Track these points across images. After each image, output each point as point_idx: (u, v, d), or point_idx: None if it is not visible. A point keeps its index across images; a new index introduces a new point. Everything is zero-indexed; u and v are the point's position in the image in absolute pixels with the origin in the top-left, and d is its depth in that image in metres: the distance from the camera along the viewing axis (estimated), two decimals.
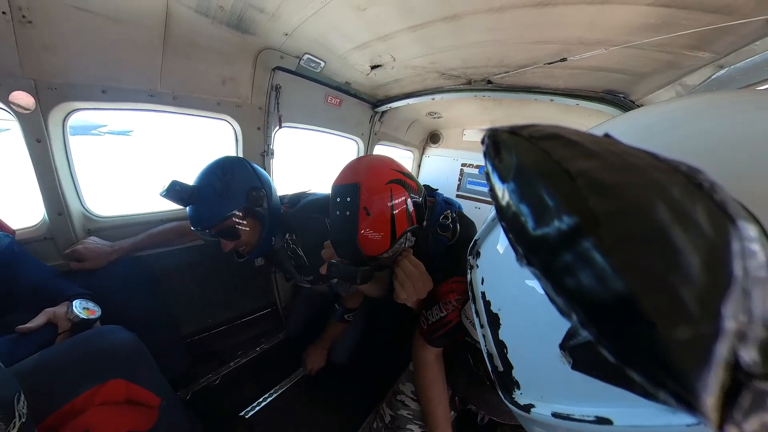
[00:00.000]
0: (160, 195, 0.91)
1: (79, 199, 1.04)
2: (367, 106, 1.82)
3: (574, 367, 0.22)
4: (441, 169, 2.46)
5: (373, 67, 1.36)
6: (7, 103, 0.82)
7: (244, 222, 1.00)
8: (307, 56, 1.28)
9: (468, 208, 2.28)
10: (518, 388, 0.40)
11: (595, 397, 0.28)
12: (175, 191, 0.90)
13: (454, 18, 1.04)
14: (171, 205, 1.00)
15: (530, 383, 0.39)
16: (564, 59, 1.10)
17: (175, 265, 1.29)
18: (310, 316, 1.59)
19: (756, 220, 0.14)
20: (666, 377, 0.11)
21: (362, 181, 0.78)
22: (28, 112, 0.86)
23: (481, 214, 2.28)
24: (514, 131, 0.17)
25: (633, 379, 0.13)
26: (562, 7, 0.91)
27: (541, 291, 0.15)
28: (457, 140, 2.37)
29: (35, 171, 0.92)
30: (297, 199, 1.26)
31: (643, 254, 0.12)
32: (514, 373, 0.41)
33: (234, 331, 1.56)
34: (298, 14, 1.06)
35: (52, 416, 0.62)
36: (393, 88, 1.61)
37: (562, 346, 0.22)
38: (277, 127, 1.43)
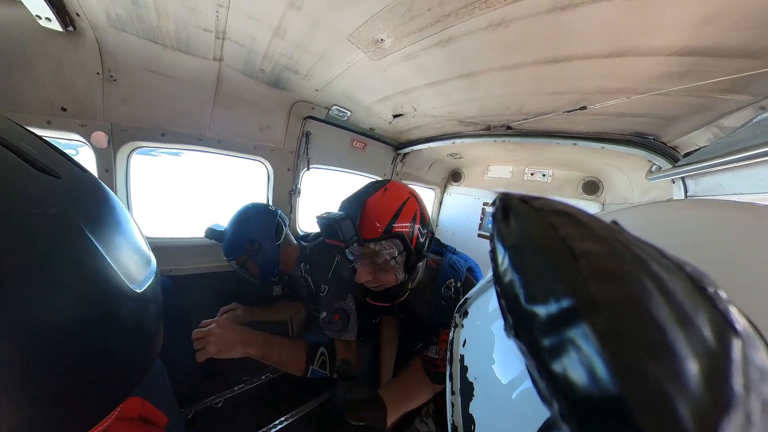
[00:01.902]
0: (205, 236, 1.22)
1: None
2: (390, 148, 1.93)
3: None
4: (463, 207, 2.44)
5: (396, 116, 1.47)
6: (89, 140, 1.04)
7: (247, 263, 1.23)
8: (335, 107, 1.42)
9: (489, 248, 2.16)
10: None
11: None
12: (210, 234, 1.23)
13: (468, 75, 1.11)
14: (202, 233, 1.24)
15: None
16: (584, 107, 1.08)
17: (201, 287, 1.38)
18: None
19: (761, 335, 0.13)
20: None
21: (393, 182, 0.93)
22: (103, 148, 1.05)
23: None
24: (525, 200, 0.17)
25: None
26: (577, 62, 0.93)
27: (525, 370, 0.15)
28: (478, 179, 2.37)
29: None
30: (319, 237, 1.39)
31: (639, 353, 0.11)
32: None
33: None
34: (326, 74, 1.21)
35: None
36: (414, 133, 1.69)
37: None
38: (305, 169, 1.56)
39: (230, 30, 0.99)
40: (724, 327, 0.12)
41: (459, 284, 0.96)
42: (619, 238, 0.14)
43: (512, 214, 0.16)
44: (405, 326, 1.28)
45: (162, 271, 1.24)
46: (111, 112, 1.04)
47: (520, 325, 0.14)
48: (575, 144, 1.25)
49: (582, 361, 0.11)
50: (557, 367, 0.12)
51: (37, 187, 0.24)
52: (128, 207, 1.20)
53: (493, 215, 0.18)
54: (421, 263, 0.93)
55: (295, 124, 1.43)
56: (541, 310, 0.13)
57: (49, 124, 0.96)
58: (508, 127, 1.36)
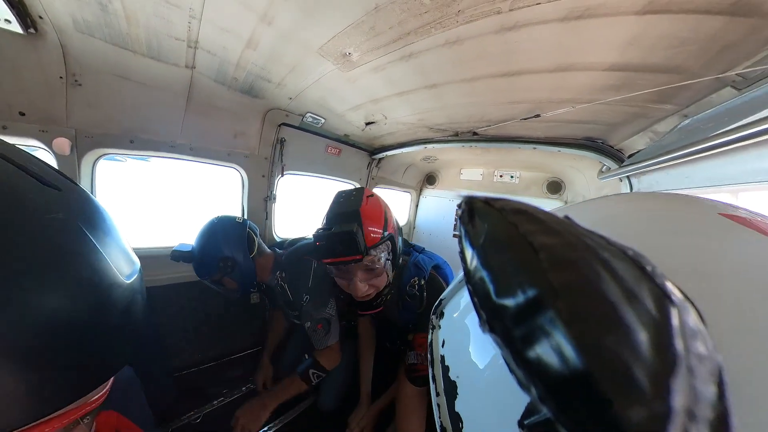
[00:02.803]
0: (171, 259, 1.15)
1: None
2: (365, 153, 1.97)
3: None
4: (438, 209, 2.53)
5: (368, 123, 1.52)
6: (51, 146, 1.01)
7: (223, 280, 1.19)
8: (309, 114, 1.46)
9: None
10: None
11: None
12: (176, 256, 1.16)
13: (433, 87, 1.18)
14: (172, 242, 1.18)
15: None
16: (538, 115, 1.18)
17: (176, 298, 1.35)
18: (301, 357, 1.52)
19: (691, 302, 0.15)
20: None
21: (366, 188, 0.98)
22: (66, 155, 1.03)
23: None
24: (488, 202, 0.18)
25: None
26: (527, 75, 1.02)
27: (502, 362, 0.16)
28: (453, 181, 2.47)
29: None
30: (295, 243, 1.41)
31: (597, 329, 0.12)
32: None
33: (222, 368, 1.52)
34: (299, 83, 1.25)
35: None
36: (387, 139, 1.76)
37: (521, 424, 0.22)
38: (280, 176, 1.57)
39: (202, 40, 1.01)
40: (663, 298, 0.14)
41: (423, 282, 1.00)
42: (572, 230, 0.16)
43: (477, 215, 0.18)
44: (380, 326, 1.31)
45: None
46: (75, 117, 1.02)
47: (493, 319, 0.16)
48: (535, 148, 1.35)
49: (551, 345, 0.13)
50: (531, 354, 0.13)
51: (45, 198, 0.31)
52: None
53: (460, 218, 0.19)
54: (398, 260, 0.97)
55: (269, 131, 1.45)
56: (511, 303, 0.14)
57: (4, 129, 0.92)
58: (474, 133, 1.44)
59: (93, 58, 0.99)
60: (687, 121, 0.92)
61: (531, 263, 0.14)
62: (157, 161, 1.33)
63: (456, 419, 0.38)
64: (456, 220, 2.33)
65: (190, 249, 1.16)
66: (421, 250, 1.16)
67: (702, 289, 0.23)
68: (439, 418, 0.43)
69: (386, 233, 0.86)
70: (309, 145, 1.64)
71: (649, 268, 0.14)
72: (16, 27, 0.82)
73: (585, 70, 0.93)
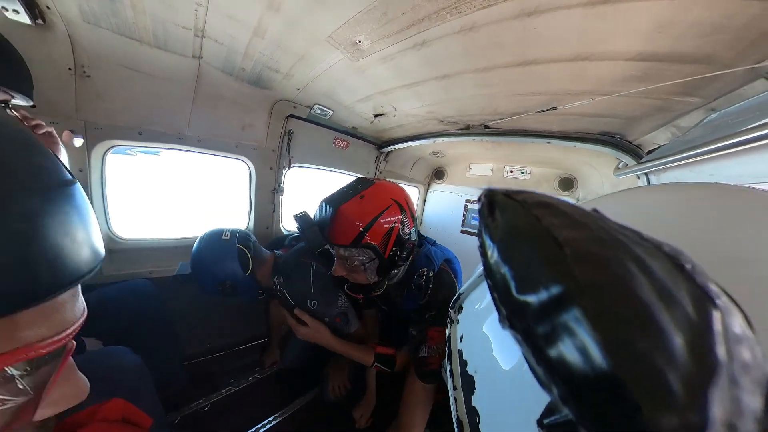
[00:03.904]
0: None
1: (106, 222, 1.19)
2: (373, 147, 1.95)
3: None
4: (446, 204, 2.50)
5: (377, 115, 1.49)
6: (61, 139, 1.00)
7: (228, 294, 1.17)
8: (317, 106, 1.43)
9: (472, 243, 2.20)
10: None
11: None
12: (182, 279, 1.17)
13: (444, 77, 1.15)
14: (183, 234, 1.22)
15: None
16: (554, 108, 1.13)
17: (187, 289, 1.36)
18: (305, 347, 1.54)
19: (737, 305, 0.13)
20: None
21: (379, 182, 0.91)
22: (75, 147, 1.03)
23: None
24: (509, 195, 0.17)
25: None
26: (545, 65, 0.98)
27: (522, 358, 0.15)
28: (461, 176, 2.43)
29: None
30: (295, 237, 1.38)
31: (627, 331, 0.11)
32: None
33: (230, 357, 1.55)
34: (308, 74, 1.22)
35: (56, 426, 0.67)
36: (396, 132, 1.72)
37: (540, 423, 0.21)
38: (288, 168, 1.56)
39: (209, 28, 0.99)
40: (704, 300, 0.13)
41: (431, 273, 0.99)
42: (600, 224, 0.15)
43: (498, 208, 0.17)
44: (386, 319, 1.31)
45: (141, 273, 1.26)
46: (85, 109, 1.02)
47: (513, 315, 0.15)
48: (549, 143, 1.31)
49: (575, 345, 0.12)
50: (553, 352, 0.13)
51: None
52: (104, 207, 1.18)
53: (480, 211, 0.18)
54: (396, 270, 0.94)
55: (276, 123, 1.44)
56: (533, 299, 0.13)
57: None
58: (486, 126, 1.40)
59: (101, 49, 0.98)
60: (714, 115, 0.87)
61: (555, 258, 0.13)
62: (167, 155, 1.33)
63: (473, 414, 0.38)
64: (464, 214, 2.33)
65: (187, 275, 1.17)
66: (433, 243, 1.15)
67: (754, 290, 0.21)
68: (456, 412, 0.43)
69: (363, 241, 0.81)
70: (317, 138, 1.63)
71: (688, 267, 0.13)
72: (24, 18, 0.82)
73: (607, 60, 0.89)
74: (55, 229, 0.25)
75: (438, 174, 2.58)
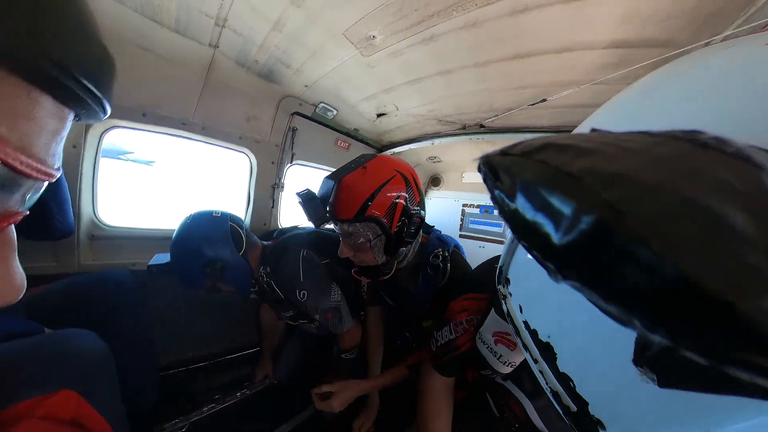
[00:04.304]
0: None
1: (93, 206, 1.09)
2: (373, 150, 2.01)
3: (661, 384, 0.18)
4: (443, 210, 2.55)
5: (379, 115, 1.58)
6: None
7: (216, 286, 1.03)
8: (322, 104, 1.50)
9: (472, 247, 2.27)
10: (602, 428, 0.32)
11: (702, 415, 0.22)
12: (155, 272, 1.01)
13: (447, 72, 1.27)
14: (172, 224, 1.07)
15: (616, 418, 0.31)
16: (544, 100, 1.28)
17: (170, 286, 1.20)
18: (302, 359, 1.36)
19: None
20: None
21: (382, 155, 0.91)
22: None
23: (485, 253, 2.24)
24: (505, 152, 0.17)
25: (738, 378, 0.11)
26: (534, 57, 1.12)
27: (590, 305, 0.14)
28: (456, 183, 2.53)
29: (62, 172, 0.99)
30: (285, 233, 1.28)
31: (682, 229, 0.10)
32: (591, 409, 0.33)
33: (215, 369, 1.34)
34: (318, 70, 1.30)
35: None
36: (396, 134, 1.82)
37: (637, 362, 0.19)
38: (290, 164, 1.55)
39: (231, 18, 1.05)
40: (744, 167, 0.12)
41: (447, 254, 0.96)
42: (606, 140, 0.14)
43: (500, 170, 0.16)
44: (392, 316, 1.22)
45: (124, 264, 1.11)
46: None
47: (563, 266, 0.14)
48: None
49: (638, 266, 0.11)
50: (618, 284, 0.12)
51: None
52: (93, 189, 1.08)
53: (484, 180, 0.17)
54: (405, 248, 0.90)
55: (282, 119, 1.47)
56: (576, 241, 0.13)
57: None
58: (481, 125, 1.53)
59: (119, 26, 0.99)
60: None
61: (579, 192, 0.13)
62: (160, 166, 1.28)
63: (565, 379, 0.35)
64: (461, 218, 2.37)
65: (167, 260, 0.99)
66: (439, 233, 1.14)
67: None
68: (547, 384, 0.39)
69: (366, 213, 0.78)
70: (319, 137, 1.67)
71: (712, 142, 0.12)
72: None
73: (586, 49, 1.04)
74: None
75: (434, 181, 2.68)
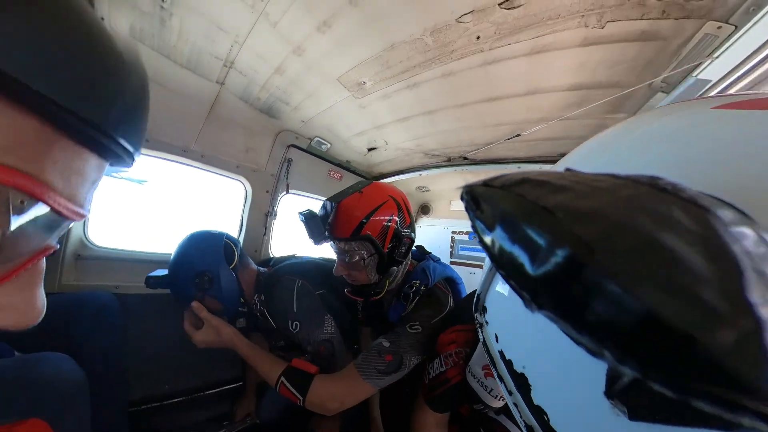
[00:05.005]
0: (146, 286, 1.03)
1: (83, 225, 1.07)
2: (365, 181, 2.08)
3: (631, 417, 0.19)
4: (433, 237, 2.58)
5: (370, 149, 1.69)
6: None
7: (204, 299, 1.04)
8: (317, 138, 1.61)
9: (463, 273, 2.19)
10: None
11: None
12: (152, 283, 1.03)
13: (430, 113, 1.42)
14: (161, 249, 1.13)
15: None
16: (518, 134, 1.41)
17: (150, 312, 1.17)
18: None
19: (728, 204, 0.14)
20: (736, 395, 0.10)
21: (377, 182, 1.00)
22: None
23: (476, 279, 2.15)
24: (487, 183, 0.18)
25: (702, 410, 0.11)
26: (506, 100, 1.28)
27: (564, 336, 0.15)
28: (445, 211, 2.60)
29: None
30: (281, 261, 1.30)
31: (645, 266, 0.11)
32: None
33: (192, 405, 1.20)
34: (314, 108, 1.44)
35: None
36: (386, 166, 1.92)
37: (609, 395, 0.20)
38: (284, 193, 1.61)
39: (238, 62, 1.18)
40: (698, 211, 0.13)
41: (423, 288, 0.98)
42: (578, 179, 0.16)
43: (482, 200, 0.17)
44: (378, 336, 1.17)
45: (107, 286, 1.08)
46: None
47: (537, 296, 0.15)
48: (519, 167, 1.55)
49: (605, 300, 0.12)
50: (588, 317, 0.12)
51: None
52: None
53: (466, 208, 0.18)
54: (396, 267, 0.95)
55: (278, 150, 1.56)
56: (548, 273, 0.13)
57: None
58: (465, 158, 1.65)
59: None
60: None
61: (552, 226, 0.13)
62: (152, 185, 1.33)
63: (539, 413, 0.34)
64: (451, 245, 2.37)
65: (164, 273, 1.04)
66: (437, 260, 1.17)
67: (728, 184, 0.21)
68: (521, 418, 0.38)
69: (361, 233, 0.86)
70: (313, 168, 1.75)
71: (669, 188, 0.14)
72: None
73: (551, 92, 1.20)
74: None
75: (424, 209, 2.75)
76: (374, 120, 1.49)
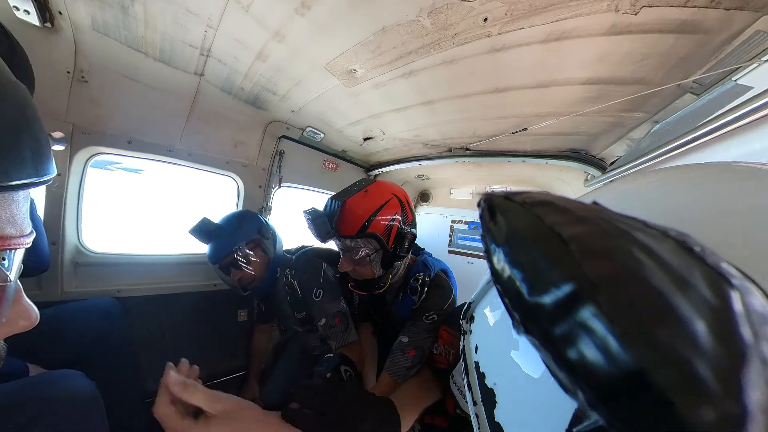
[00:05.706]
0: (189, 232, 1.10)
1: (77, 233, 1.09)
2: (361, 170, 2.03)
3: None
4: (432, 226, 2.56)
5: (366, 139, 1.59)
6: None
7: (253, 253, 1.17)
8: (309, 128, 1.52)
9: (460, 263, 2.28)
10: None
11: None
12: (203, 227, 1.10)
13: (429, 103, 1.29)
14: (159, 251, 1.13)
15: None
16: (525, 129, 1.29)
17: (155, 312, 1.23)
18: (292, 379, 1.35)
19: (753, 281, 0.13)
20: None
21: (380, 180, 1.00)
22: (60, 149, 0.99)
23: (474, 269, 2.24)
24: (508, 197, 0.17)
25: None
26: (514, 91, 1.14)
27: (542, 364, 0.14)
28: (445, 199, 2.54)
29: (45, 199, 1.01)
30: (299, 250, 1.39)
31: (646, 322, 0.11)
32: None
33: None
34: (303, 97, 1.32)
35: None
36: (383, 156, 1.83)
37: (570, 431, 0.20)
38: (277, 187, 1.57)
39: (215, 49, 1.07)
40: (720, 281, 0.12)
41: (427, 279, 1.01)
42: (602, 216, 0.15)
43: (498, 212, 0.17)
44: (380, 331, 1.24)
45: (109, 291, 1.12)
46: (75, 112, 1.01)
47: (527, 320, 0.14)
48: (524, 161, 1.45)
49: (595, 343, 0.11)
50: (572, 354, 0.12)
51: None
52: (77, 216, 1.09)
53: (480, 216, 0.18)
54: (399, 262, 0.98)
55: (269, 143, 1.48)
56: (545, 301, 0.13)
57: None
58: (467, 149, 1.54)
59: (104, 57, 1.02)
60: (657, 126, 1.04)
61: (562, 256, 0.13)
62: (149, 175, 1.31)
63: (497, 429, 0.35)
64: (450, 235, 2.36)
65: (215, 224, 1.13)
66: (430, 255, 1.18)
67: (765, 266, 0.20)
68: (479, 429, 0.39)
69: (367, 230, 0.88)
70: (307, 159, 1.68)
71: (697, 249, 0.13)
72: (33, 19, 0.85)
73: (564, 85, 1.06)
74: (38, 125, 0.27)
75: (423, 197, 2.68)
76: (369, 109, 1.38)
